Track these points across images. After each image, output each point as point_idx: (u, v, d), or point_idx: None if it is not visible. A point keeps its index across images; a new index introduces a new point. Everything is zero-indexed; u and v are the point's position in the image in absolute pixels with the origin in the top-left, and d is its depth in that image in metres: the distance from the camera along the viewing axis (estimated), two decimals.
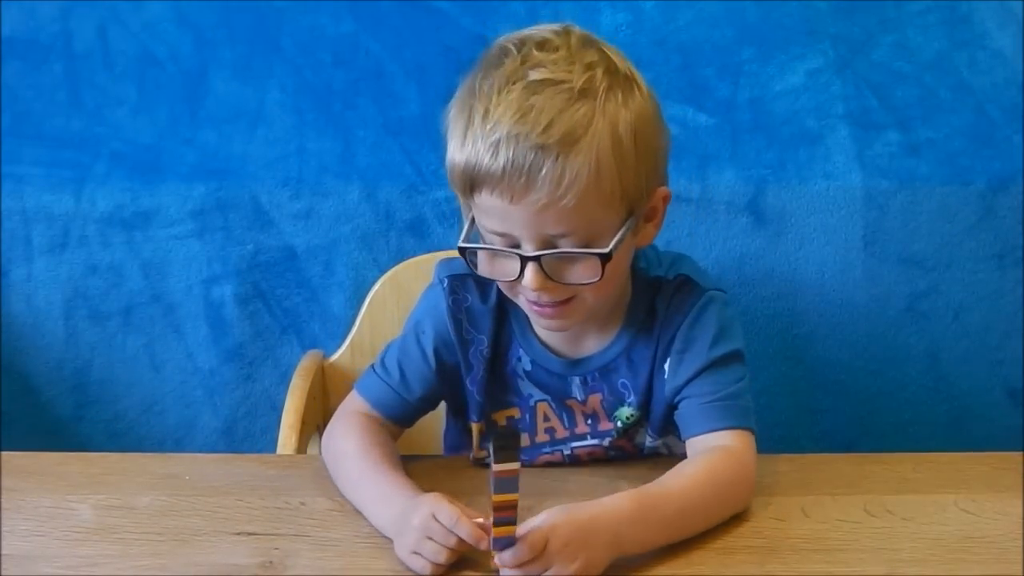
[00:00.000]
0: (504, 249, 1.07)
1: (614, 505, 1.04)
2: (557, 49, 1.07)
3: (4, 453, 1.19)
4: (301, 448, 1.36)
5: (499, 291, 1.18)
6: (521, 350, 1.20)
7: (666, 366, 1.17)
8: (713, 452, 1.11)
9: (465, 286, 1.20)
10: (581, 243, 1.06)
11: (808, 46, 1.63)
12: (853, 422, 1.75)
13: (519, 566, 0.98)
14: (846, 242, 1.68)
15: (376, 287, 1.52)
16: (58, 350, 1.73)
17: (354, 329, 1.52)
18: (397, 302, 1.48)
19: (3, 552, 1.03)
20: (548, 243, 1.06)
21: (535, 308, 1.11)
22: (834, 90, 1.64)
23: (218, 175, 1.67)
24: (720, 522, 1.08)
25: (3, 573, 1.00)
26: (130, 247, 1.69)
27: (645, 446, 1.23)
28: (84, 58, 1.64)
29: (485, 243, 1.09)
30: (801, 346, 1.72)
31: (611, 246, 1.06)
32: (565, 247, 1.06)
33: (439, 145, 1.66)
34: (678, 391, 1.16)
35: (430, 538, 1.01)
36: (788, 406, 1.74)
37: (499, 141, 1.03)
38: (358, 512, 1.10)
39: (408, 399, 1.20)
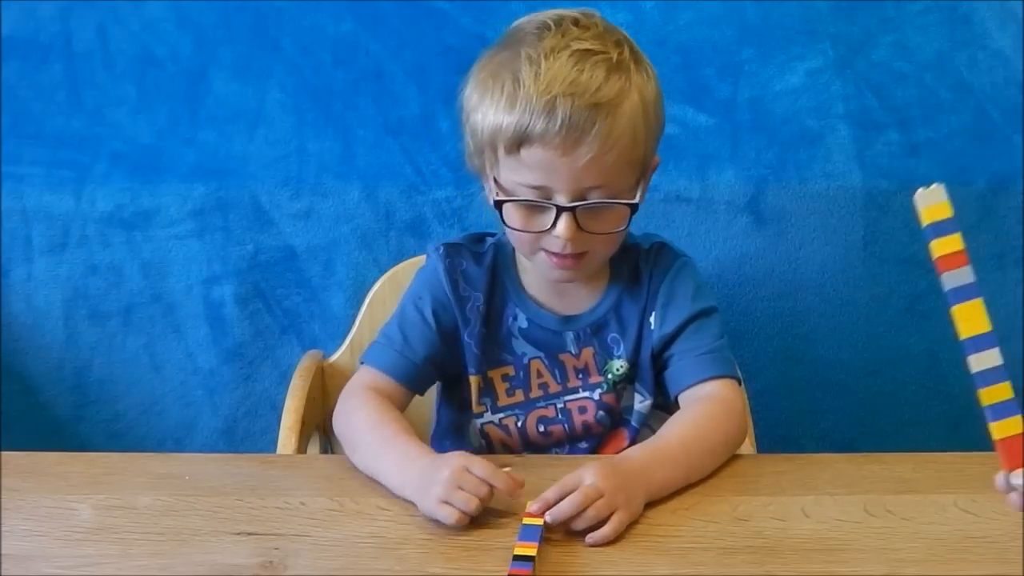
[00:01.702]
0: (542, 201, 1.16)
1: (630, 455, 1.14)
2: (590, 28, 1.19)
3: (4, 453, 1.19)
4: (301, 448, 1.36)
5: (493, 256, 1.29)
6: (517, 309, 1.28)
7: (651, 319, 1.27)
8: (702, 400, 1.22)
9: (459, 252, 1.31)
10: (609, 196, 1.17)
11: (808, 46, 1.63)
12: (853, 422, 1.75)
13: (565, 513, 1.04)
14: (846, 242, 1.68)
15: (376, 287, 1.52)
16: (58, 350, 1.73)
17: (354, 329, 1.52)
18: (397, 302, 1.48)
19: (3, 552, 1.03)
20: (581, 196, 1.16)
21: (554, 260, 1.20)
22: (834, 90, 1.64)
23: (218, 175, 1.67)
24: (724, 459, 1.18)
25: (3, 573, 1.00)
26: (130, 247, 1.69)
27: (633, 409, 1.29)
28: (84, 58, 1.64)
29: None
30: (801, 346, 1.72)
31: (637, 197, 1.19)
32: (595, 199, 1.16)
33: (439, 145, 1.67)
34: (665, 342, 1.26)
35: (461, 488, 1.05)
36: (788, 406, 1.74)
37: (555, 100, 1.13)
38: (360, 512, 1.10)
39: (414, 360, 1.26)
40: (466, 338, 1.28)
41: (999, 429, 0.82)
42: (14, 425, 1.73)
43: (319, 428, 1.47)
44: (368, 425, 1.19)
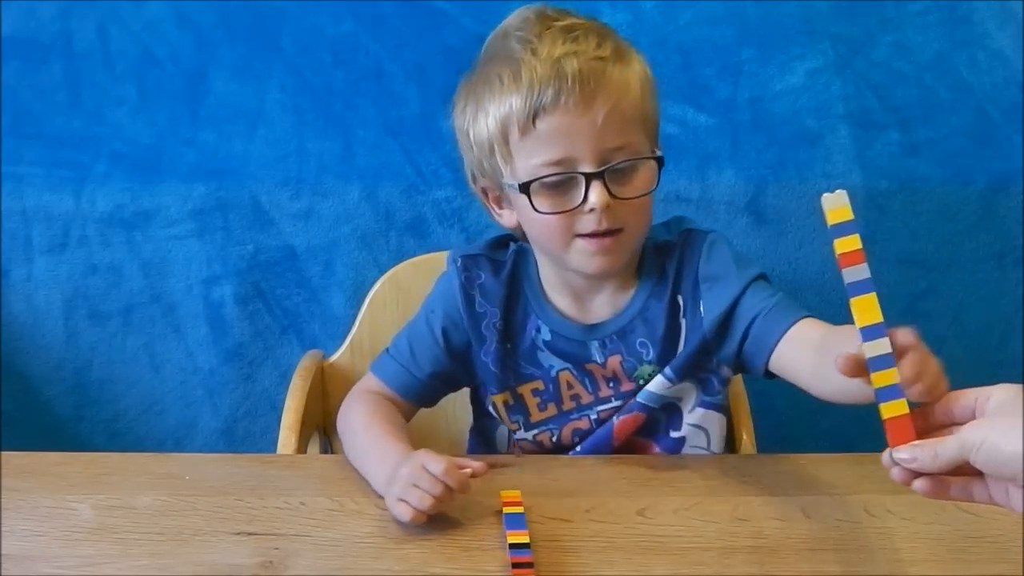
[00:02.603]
0: (569, 172, 1.12)
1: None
2: (567, 14, 1.19)
3: (4, 453, 1.19)
4: (301, 448, 1.36)
5: (513, 265, 1.25)
6: (540, 321, 1.24)
7: (701, 308, 1.20)
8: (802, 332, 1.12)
9: (478, 264, 1.26)
10: (632, 155, 1.14)
11: (808, 46, 1.63)
12: (853, 422, 1.74)
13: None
14: None
15: (376, 287, 1.52)
16: (58, 350, 1.73)
17: (354, 329, 1.52)
18: (397, 302, 1.48)
19: (3, 552, 1.03)
20: (605, 160, 1.12)
21: (592, 243, 1.15)
22: (834, 90, 1.64)
23: (218, 175, 1.67)
24: None
25: (3, 573, 1.00)
26: (130, 247, 1.69)
27: (647, 390, 1.24)
28: (84, 58, 1.64)
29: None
30: None
31: (659, 152, 1.17)
32: (620, 159, 1.13)
33: (439, 145, 1.67)
34: (721, 322, 1.18)
35: (416, 486, 1.05)
36: (788, 406, 1.74)
37: (560, 60, 1.12)
38: (360, 512, 1.10)
39: (417, 375, 1.25)
40: (482, 357, 1.25)
41: (887, 410, 0.89)
42: (14, 425, 1.73)
43: (319, 428, 1.47)
44: (360, 426, 1.20)
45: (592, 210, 1.12)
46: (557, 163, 1.12)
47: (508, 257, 1.26)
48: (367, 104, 1.65)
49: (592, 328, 1.23)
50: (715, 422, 1.26)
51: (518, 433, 1.27)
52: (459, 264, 1.25)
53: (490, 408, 1.27)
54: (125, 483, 1.15)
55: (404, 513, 1.05)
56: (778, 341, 1.14)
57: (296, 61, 1.64)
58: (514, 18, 1.19)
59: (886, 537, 1.05)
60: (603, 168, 1.12)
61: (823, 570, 1.01)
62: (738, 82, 1.64)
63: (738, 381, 1.36)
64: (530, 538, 1.02)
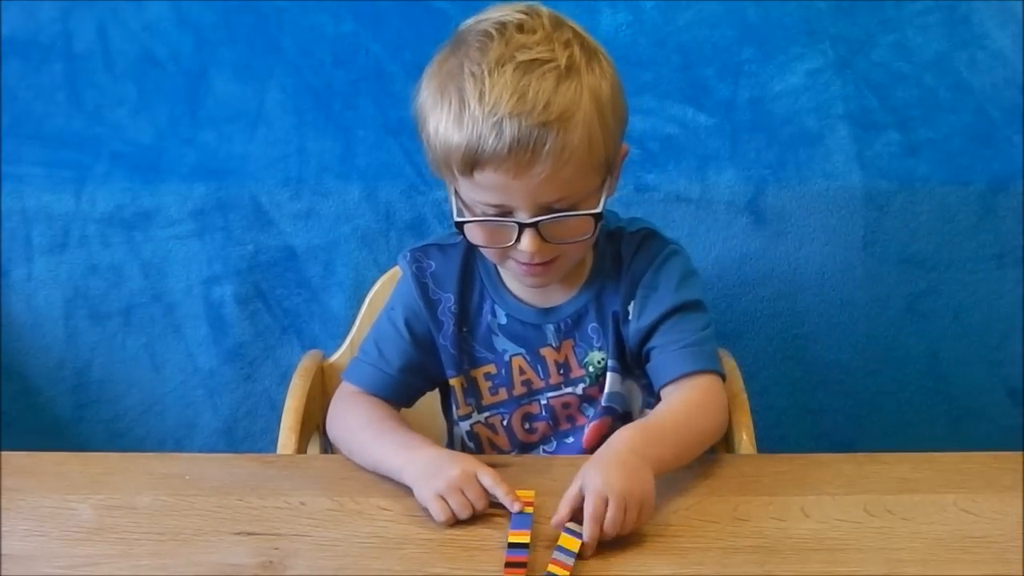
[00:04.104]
0: (502, 219, 1.14)
1: (623, 437, 1.10)
2: (535, 31, 1.14)
3: (4, 453, 1.19)
4: (301, 448, 1.36)
5: (467, 249, 1.26)
6: (496, 305, 1.27)
7: (630, 308, 1.24)
8: (683, 389, 1.20)
9: (427, 254, 1.29)
10: (572, 206, 1.15)
11: (808, 46, 1.63)
12: (853, 422, 1.75)
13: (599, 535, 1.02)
14: (846, 242, 1.68)
15: (376, 287, 1.52)
16: (58, 350, 1.73)
17: (354, 329, 1.52)
18: None
19: (3, 552, 1.03)
20: (543, 209, 1.14)
21: (525, 268, 1.19)
22: (834, 90, 1.64)
23: (218, 175, 1.67)
24: (710, 444, 1.18)
25: (3, 573, 1.00)
26: (130, 247, 1.69)
27: (616, 394, 1.27)
28: (84, 58, 1.64)
29: (475, 214, 1.16)
30: (801, 346, 1.72)
31: (600, 205, 1.16)
32: (558, 211, 1.14)
33: None
34: (644, 335, 1.23)
35: (462, 491, 1.07)
36: (788, 406, 1.74)
37: (502, 121, 1.09)
38: (360, 512, 1.10)
39: (388, 372, 1.26)
40: (441, 340, 1.27)
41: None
42: (14, 425, 1.73)
43: (319, 428, 1.47)
44: (362, 423, 1.21)
45: (524, 251, 1.15)
46: (495, 206, 1.14)
47: (460, 241, 1.26)
48: (367, 104, 1.65)
49: (548, 312, 1.26)
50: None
51: (472, 416, 1.29)
52: (408, 258, 1.29)
53: (451, 394, 1.29)
54: (125, 483, 1.15)
55: (441, 512, 1.06)
56: (669, 383, 1.21)
57: (296, 61, 1.64)
58: (483, 26, 1.15)
59: (886, 537, 1.05)
60: (536, 220, 1.13)
61: (823, 570, 1.01)
62: (738, 82, 1.64)
63: (737, 381, 1.36)
64: (531, 538, 1.02)
